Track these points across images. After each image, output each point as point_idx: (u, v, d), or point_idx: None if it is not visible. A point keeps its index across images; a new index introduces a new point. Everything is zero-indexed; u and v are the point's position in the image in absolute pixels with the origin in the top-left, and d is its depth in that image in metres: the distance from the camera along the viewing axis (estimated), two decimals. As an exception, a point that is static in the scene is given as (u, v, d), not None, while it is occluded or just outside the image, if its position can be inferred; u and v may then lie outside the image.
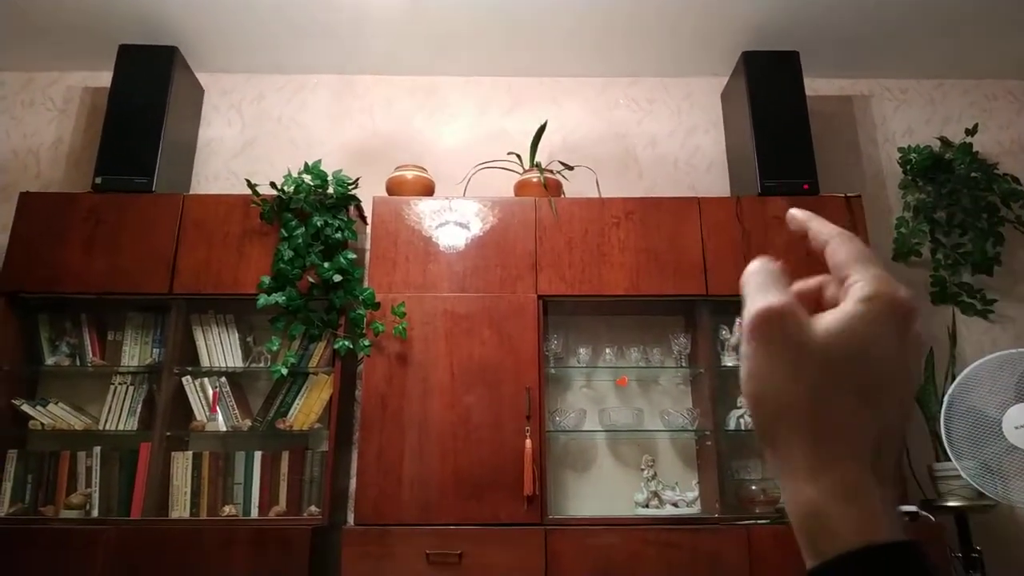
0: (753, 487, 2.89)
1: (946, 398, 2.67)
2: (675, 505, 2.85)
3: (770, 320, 0.36)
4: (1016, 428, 2.56)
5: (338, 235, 2.94)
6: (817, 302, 0.39)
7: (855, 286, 0.36)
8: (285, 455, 2.92)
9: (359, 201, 3.11)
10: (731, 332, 3.02)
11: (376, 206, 3.03)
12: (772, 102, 3.24)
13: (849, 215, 3.04)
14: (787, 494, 0.35)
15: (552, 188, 3.13)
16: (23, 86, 3.67)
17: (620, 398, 3.19)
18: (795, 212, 0.41)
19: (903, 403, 0.35)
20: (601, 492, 3.08)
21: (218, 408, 2.95)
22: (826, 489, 0.33)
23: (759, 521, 2.66)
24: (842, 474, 0.33)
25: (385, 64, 3.65)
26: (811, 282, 0.40)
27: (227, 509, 2.82)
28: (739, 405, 3.01)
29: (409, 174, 3.16)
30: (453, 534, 2.58)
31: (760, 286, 0.37)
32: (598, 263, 2.96)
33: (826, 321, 0.35)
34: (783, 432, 0.35)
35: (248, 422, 2.98)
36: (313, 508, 2.82)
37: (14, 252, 2.95)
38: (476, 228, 2.99)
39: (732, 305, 3.00)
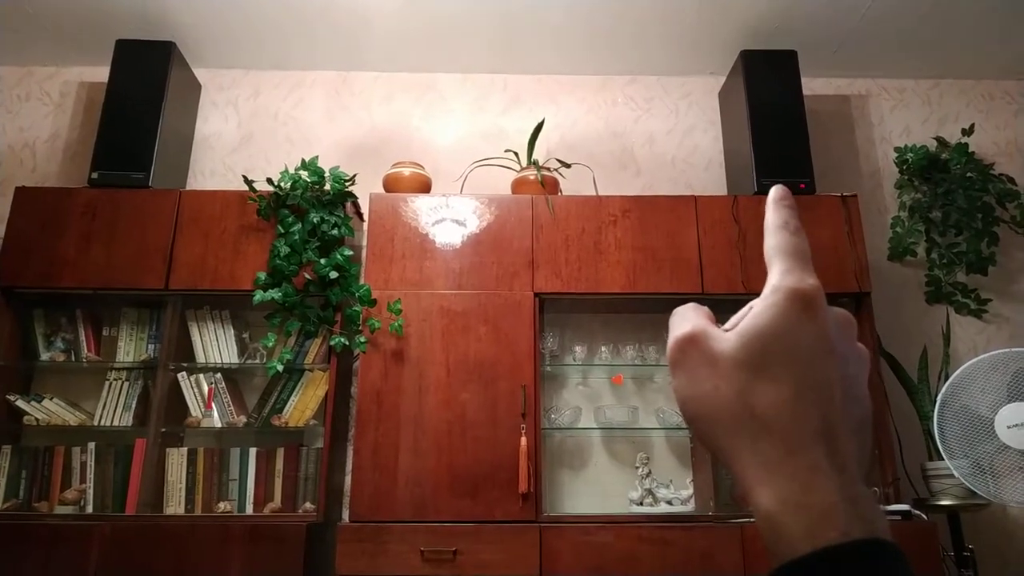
0: (747, 485, 2.89)
1: (939, 397, 2.68)
2: (669, 503, 2.86)
3: (681, 347, 0.37)
4: (1008, 428, 2.57)
5: (335, 232, 2.93)
6: None
7: (767, 282, 0.37)
8: (280, 452, 2.93)
9: (356, 198, 3.12)
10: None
11: (373, 203, 3.03)
12: (769, 101, 3.25)
13: (845, 214, 3.05)
14: (750, 502, 0.34)
15: (549, 186, 3.13)
16: (19, 80, 3.66)
17: (615, 396, 3.20)
18: (775, 193, 0.40)
19: (834, 384, 0.34)
20: (596, 490, 3.08)
21: (213, 404, 2.95)
22: (775, 493, 0.32)
23: (753, 519, 2.66)
24: (790, 472, 0.32)
25: (383, 61, 3.64)
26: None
27: (222, 505, 2.82)
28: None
29: (406, 171, 3.16)
30: (448, 531, 2.58)
31: (675, 325, 0.39)
32: (595, 261, 2.96)
33: (740, 326, 0.36)
34: (724, 444, 0.35)
35: (243, 418, 2.98)
36: (308, 505, 2.82)
37: (9, 247, 2.94)
38: (473, 225, 3.00)
39: (728, 304, 3.00)
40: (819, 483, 0.32)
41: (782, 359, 0.34)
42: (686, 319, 0.39)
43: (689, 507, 2.86)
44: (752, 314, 0.36)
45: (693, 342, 0.37)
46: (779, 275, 0.36)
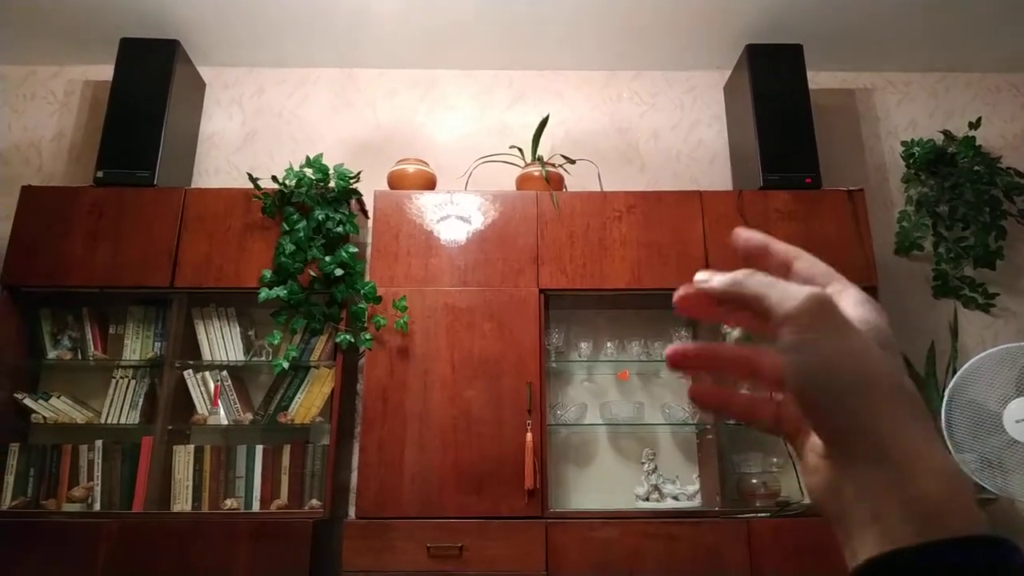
0: (753, 480, 2.89)
1: (947, 392, 2.67)
2: (675, 499, 2.86)
3: (823, 302, 0.34)
4: (1016, 422, 2.56)
5: (339, 229, 2.94)
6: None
7: (848, 291, 0.38)
8: (286, 449, 2.93)
9: (360, 195, 3.11)
10: (732, 326, 3.01)
11: (377, 200, 3.03)
12: (775, 95, 3.23)
13: (852, 208, 3.03)
14: (873, 484, 0.32)
15: (554, 182, 3.12)
16: (24, 79, 3.67)
17: (621, 392, 3.20)
18: (750, 234, 0.41)
19: None
20: (602, 485, 3.08)
21: (219, 402, 2.95)
22: (942, 466, 0.31)
23: (759, 514, 2.66)
24: (942, 450, 0.32)
25: (387, 58, 3.64)
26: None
27: (229, 502, 2.82)
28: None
29: (410, 168, 3.15)
30: (454, 527, 2.58)
31: (773, 282, 0.36)
32: (600, 257, 2.96)
33: (851, 312, 0.37)
34: (883, 410, 0.32)
35: (249, 416, 2.98)
36: (314, 501, 2.83)
37: (16, 246, 2.95)
38: (477, 222, 2.99)
39: (733, 299, 2.99)
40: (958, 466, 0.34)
41: (891, 347, 0.35)
42: (785, 282, 0.36)
43: (695, 502, 2.86)
44: (857, 300, 0.37)
45: (831, 302, 0.35)
46: (842, 279, 0.38)
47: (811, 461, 0.36)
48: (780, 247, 0.40)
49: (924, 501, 0.31)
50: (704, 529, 2.61)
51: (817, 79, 3.56)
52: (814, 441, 0.36)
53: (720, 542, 2.57)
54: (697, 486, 2.92)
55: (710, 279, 0.38)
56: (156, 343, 3.03)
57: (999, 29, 3.44)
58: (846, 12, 3.31)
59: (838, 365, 0.33)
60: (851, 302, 0.37)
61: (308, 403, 2.97)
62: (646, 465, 2.94)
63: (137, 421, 2.92)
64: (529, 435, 2.71)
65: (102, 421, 2.93)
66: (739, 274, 0.37)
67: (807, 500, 2.86)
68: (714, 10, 3.31)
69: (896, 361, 0.35)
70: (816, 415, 0.34)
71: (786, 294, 0.35)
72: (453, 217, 3.00)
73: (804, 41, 3.33)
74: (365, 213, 3.27)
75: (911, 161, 3.52)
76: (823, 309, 0.34)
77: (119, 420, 2.93)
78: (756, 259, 0.41)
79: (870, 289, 2.95)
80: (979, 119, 3.52)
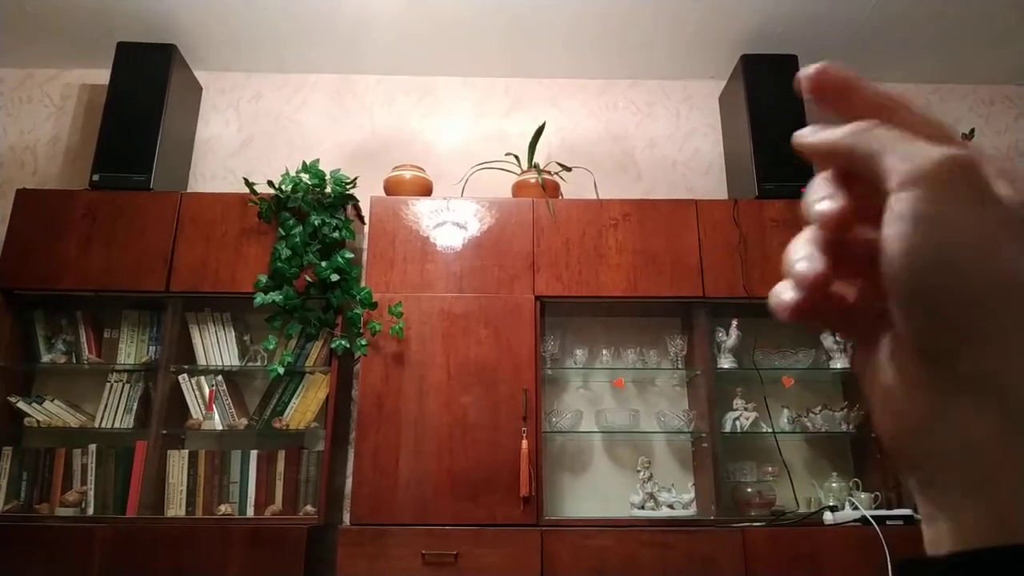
0: (748, 489, 2.89)
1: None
2: (671, 507, 2.86)
3: (972, 167, 0.25)
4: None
5: (336, 234, 2.94)
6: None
7: (989, 159, 0.26)
8: (281, 454, 2.92)
9: (357, 200, 3.12)
10: (727, 334, 3.03)
11: (374, 205, 3.03)
12: (770, 106, 3.25)
13: (846, 218, 3.04)
14: (986, 430, 0.24)
15: (550, 189, 3.13)
16: (21, 82, 3.67)
17: (616, 399, 3.20)
18: (825, 69, 0.31)
19: None
20: (597, 493, 3.08)
21: (214, 406, 2.94)
22: None
23: (754, 523, 2.66)
24: None
25: (384, 64, 3.65)
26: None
27: (223, 508, 2.81)
28: (735, 407, 3.02)
29: (407, 174, 3.16)
30: (449, 534, 2.58)
31: (899, 136, 0.26)
32: (595, 264, 2.97)
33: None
34: (996, 331, 0.24)
35: (244, 421, 2.97)
36: (309, 507, 2.82)
37: (10, 249, 2.94)
38: (474, 228, 3.00)
39: (729, 307, 3.01)
40: None
41: None
42: (920, 139, 0.26)
43: (690, 511, 2.86)
44: (1000, 172, 0.26)
45: (977, 169, 0.25)
46: (967, 145, 0.26)
47: (888, 378, 0.27)
48: (870, 91, 0.29)
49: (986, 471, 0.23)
50: (699, 538, 2.61)
51: (812, 89, 3.57)
52: (897, 350, 0.27)
53: (715, 551, 2.57)
54: (692, 494, 2.92)
55: (813, 134, 0.30)
56: (151, 347, 3.02)
57: (993, 41, 3.47)
58: (841, 24, 3.34)
59: (968, 257, 0.24)
60: (993, 172, 0.25)
61: (303, 408, 2.96)
62: (641, 473, 2.94)
63: (131, 425, 2.91)
64: (524, 442, 2.71)
65: (96, 425, 2.91)
66: (858, 124, 0.28)
67: (802, 509, 2.86)
68: (709, 20, 3.33)
69: None
70: (917, 316, 0.25)
71: (914, 150, 0.26)
72: (449, 223, 3.00)
73: (799, 52, 3.35)
74: (361, 219, 3.28)
75: (905, 171, 3.54)
76: (965, 176, 0.25)
77: (113, 424, 2.91)
78: (831, 104, 0.31)
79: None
80: (972, 130, 3.54)
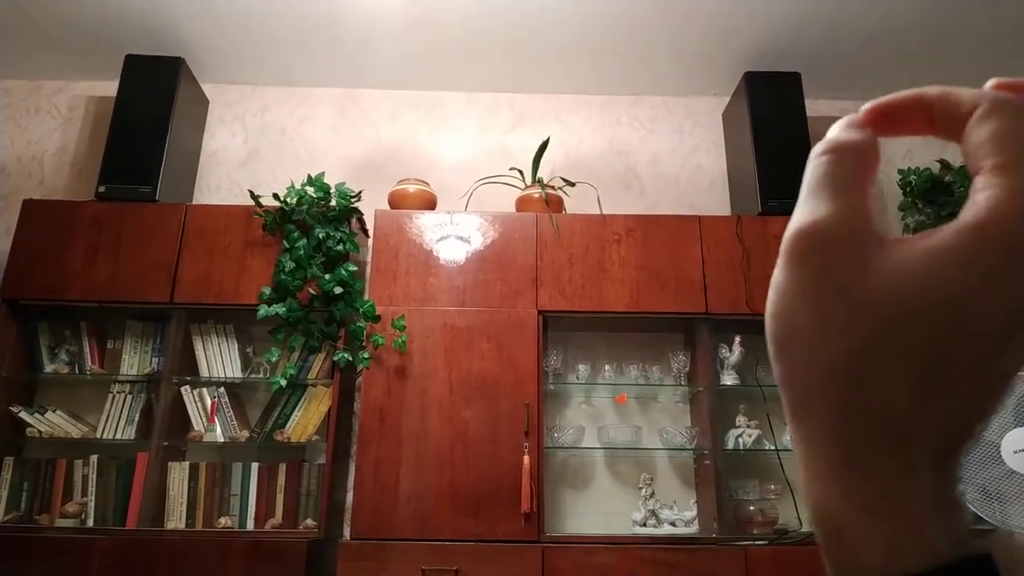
0: (751, 507, 2.88)
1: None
2: (673, 524, 2.84)
3: (811, 242, 0.26)
4: (1015, 452, 2.56)
5: (339, 247, 2.94)
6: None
7: (975, 198, 0.24)
8: (282, 467, 2.92)
9: (361, 214, 3.13)
10: (730, 350, 3.03)
11: (378, 219, 3.04)
12: (773, 122, 3.26)
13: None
14: (804, 487, 0.25)
15: (553, 204, 3.14)
16: (29, 94, 3.69)
17: (619, 415, 3.19)
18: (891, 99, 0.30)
19: (994, 389, 0.24)
20: (599, 510, 3.06)
21: (216, 418, 2.94)
22: (850, 489, 0.24)
23: (756, 542, 2.65)
24: (880, 472, 0.24)
25: (389, 78, 3.67)
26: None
27: (223, 521, 2.80)
28: (737, 425, 3.00)
29: (411, 187, 3.17)
30: (450, 550, 2.57)
31: (817, 184, 0.27)
32: (598, 279, 2.97)
33: (904, 253, 0.24)
34: (810, 398, 0.25)
35: (246, 433, 2.97)
36: (309, 521, 2.81)
37: (16, 259, 2.96)
38: (477, 242, 3.00)
39: (732, 324, 3.01)
40: (912, 495, 0.25)
41: (954, 336, 0.24)
42: (827, 188, 0.28)
43: (692, 529, 2.84)
44: (936, 247, 0.24)
45: (831, 243, 0.26)
46: (1001, 193, 0.24)
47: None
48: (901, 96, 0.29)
49: (817, 528, 0.26)
50: (701, 556, 2.59)
51: (815, 107, 3.59)
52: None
53: (717, 569, 2.55)
54: (694, 512, 2.90)
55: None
56: (154, 358, 3.02)
57: (995, 58, 3.48)
58: (843, 41, 3.36)
59: (785, 328, 0.26)
60: (927, 239, 0.25)
61: (305, 421, 2.96)
62: (643, 490, 2.92)
63: (133, 437, 2.90)
64: (526, 457, 2.70)
65: (97, 436, 2.91)
66: (830, 131, 0.29)
67: (805, 528, 2.85)
68: (713, 37, 3.35)
69: None
70: (774, 363, 0.27)
71: (799, 207, 0.28)
72: (453, 237, 3.01)
73: (803, 69, 3.37)
74: (365, 232, 3.29)
75: (908, 189, 3.54)
76: (800, 253, 0.26)
77: (115, 435, 2.91)
78: (889, 126, 0.30)
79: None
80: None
